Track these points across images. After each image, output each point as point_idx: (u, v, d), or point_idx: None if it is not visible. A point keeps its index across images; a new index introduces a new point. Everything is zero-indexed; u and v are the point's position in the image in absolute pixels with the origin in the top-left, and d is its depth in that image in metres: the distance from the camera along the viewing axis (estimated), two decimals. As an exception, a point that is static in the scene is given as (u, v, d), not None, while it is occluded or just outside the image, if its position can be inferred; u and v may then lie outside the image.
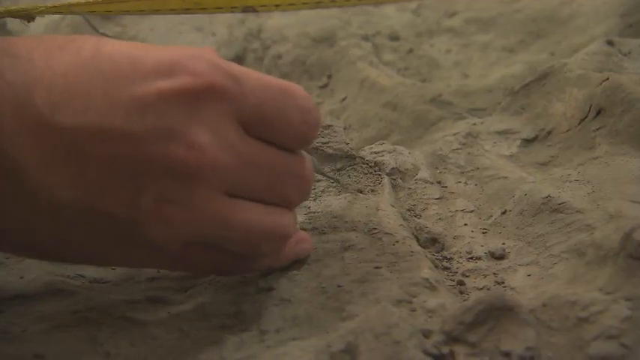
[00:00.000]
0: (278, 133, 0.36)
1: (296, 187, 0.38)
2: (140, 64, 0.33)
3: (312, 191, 0.50)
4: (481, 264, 0.45)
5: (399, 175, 0.54)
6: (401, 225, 0.46)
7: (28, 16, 0.48)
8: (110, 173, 0.33)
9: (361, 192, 0.50)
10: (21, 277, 0.44)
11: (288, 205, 0.38)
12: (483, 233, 0.49)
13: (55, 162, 0.32)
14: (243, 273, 0.41)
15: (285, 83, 0.37)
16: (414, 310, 0.38)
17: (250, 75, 0.35)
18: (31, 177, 0.32)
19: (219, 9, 0.52)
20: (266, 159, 0.36)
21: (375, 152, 0.56)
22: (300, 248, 0.42)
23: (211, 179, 0.34)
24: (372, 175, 0.53)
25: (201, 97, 0.33)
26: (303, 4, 0.54)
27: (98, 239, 0.35)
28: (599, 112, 0.55)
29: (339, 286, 0.41)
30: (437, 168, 0.57)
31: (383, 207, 0.47)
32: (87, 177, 0.33)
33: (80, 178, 0.33)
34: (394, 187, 0.53)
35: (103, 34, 0.35)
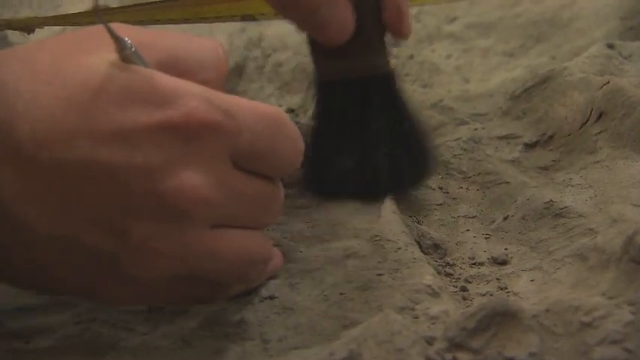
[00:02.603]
0: (268, 164, 0.36)
1: (273, 212, 0.38)
2: (130, 97, 0.32)
3: (314, 198, 0.50)
4: (484, 270, 0.45)
5: (400, 181, 0.54)
6: (403, 232, 0.45)
7: (28, 27, 0.48)
8: (94, 209, 0.32)
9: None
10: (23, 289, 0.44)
11: (263, 226, 0.38)
12: (486, 239, 0.49)
13: (36, 194, 0.31)
14: (223, 298, 0.40)
15: (275, 111, 0.36)
16: (416, 317, 0.38)
17: (244, 107, 0.34)
18: (10, 206, 0.31)
19: (218, 18, 0.52)
20: (251, 191, 0.35)
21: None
22: (273, 265, 0.42)
23: (201, 218, 0.33)
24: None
25: (193, 135, 0.32)
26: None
27: (83, 273, 0.34)
28: (600, 116, 0.55)
29: (342, 294, 0.40)
30: (439, 174, 0.57)
31: (385, 214, 0.47)
32: (70, 211, 0.32)
33: (62, 212, 0.32)
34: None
35: (118, 39, 0.33)
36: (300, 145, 0.37)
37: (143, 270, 0.33)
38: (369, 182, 0.50)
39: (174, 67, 0.35)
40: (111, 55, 0.33)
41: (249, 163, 0.35)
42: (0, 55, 0.34)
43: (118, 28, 0.33)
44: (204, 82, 0.35)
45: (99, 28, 0.33)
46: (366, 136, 0.50)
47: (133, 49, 0.33)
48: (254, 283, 0.41)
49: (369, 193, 0.50)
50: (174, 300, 0.38)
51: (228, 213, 0.35)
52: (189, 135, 0.32)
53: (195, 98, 0.33)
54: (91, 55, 0.33)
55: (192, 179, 0.32)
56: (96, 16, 0.32)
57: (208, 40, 0.38)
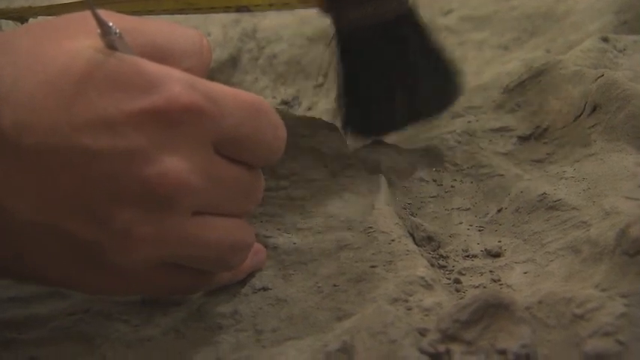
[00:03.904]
0: (250, 152, 0.36)
1: (254, 199, 0.38)
2: (113, 82, 0.31)
3: (308, 190, 0.50)
4: (477, 262, 0.45)
5: (394, 173, 0.54)
6: (397, 224, 0.46)
7: (21, 17, 0.48)
8: (76, 195, 0.31)
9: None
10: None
11: (244, 214, 0.38)
12: (479, 231, 0.49)
13: (18, 182, 0.31)
14: (207, 289, 0.40)
15: (257, 99, 0.36)
16: (410, 309, 0.38)
17: (226, 93, 0.34)
18: None
19: (212, 9, 0.52)
20: (232, 177, 0.35)
21: (371, 151, 0.56)
22: (257, 260, 0.42)
23: (182, 203, 0.33)
24: (367, 174, 0.53)
25: (175, 120, 0.32)
26: (298, 2, 0.54)
27: (62, 262, 0.33)
28: (594, 109, 0.55)
29: (335, 286, 0.41)
30: (433, 166, 0.57)
31: (378, 206, 0.47)
32: (52, 198, 0.31)
33: (44, 199, 0.31)
34: (390, 185, 0.53)
35: (103, 23, 0.32)
36: (282, 132, 0.37)
37: (126, 257, 0.33)
38: (409, 112, 0.55)
39: (157, 53, 0.35)
40: (94, 40, 0.33)
41: (231, 150, 0.35)
42: None
43: (101, 14, 0.33)
44: (187, 70, 0.35)
45: (82, 15, 0.33)
46: (398, 72, 0.54)
47: (118, 33, 0.32)
48: (239, 274, 0.41)
49: (411, 120, 0.57)
50: (158, 290, 0.38)
51: (210, 199, 0.35)
52: (172, 120, 0.32)
53: (178, 83, 0.32)
54: (73, 40, 0.33)
55: (175, 164, 0.32)
56: (86, 3, 0.31)
57: (191, 30, 0.38)
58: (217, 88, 0.34)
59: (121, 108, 0.31)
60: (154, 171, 0.32)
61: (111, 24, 0.32)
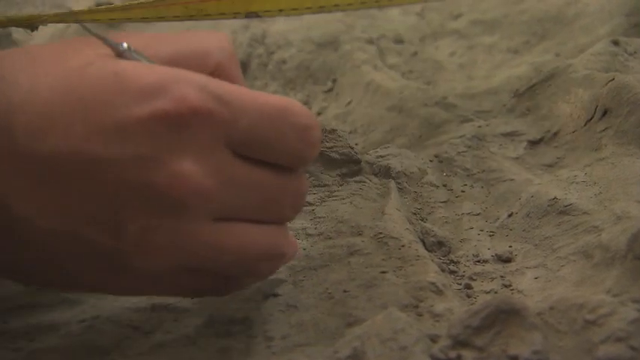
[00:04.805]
0: (272, 153, 0.35)
1: (291, 204, 0.37)
2: (123, 88, 0.32)
3: (318, 196, 0.50)
4: (488, 267, 0.45)
5: (404, 178, 0.54)
6: (407, 229, 0.45)
7: (31, 25, 0.48)
8: (91, 201, 0.32)
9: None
10: (26, 287, 0.44)
11: (282, 220, 0.37)
12: (490, 236, 0.49)
13: (34, 190, 0.31)
14: (237, 290, 0.39)
15: (283, 100, 0.35)
16: (420, 315, 0.38)
17: (243, 95, 0.34)
18: (10, 206, 0.31)
19: (222, 15, 0.52)
20: (257, 180, 0.35)
21: (381, 156, 0.56)
22: (289, 256, 0.41)
23: (197, 207, 0.33)
24: (377, 180, 0.53)
25: (185, 123, 0.32)
26: (307, 8, 0.54)
27: (84, 267, 0.34)
28: (605, 113, 0.55)
29: (345, 292, 0.40)
30: (443, 171, 0.57)
31: (389, 211, 0.47)
32: (68, 205, 0.32)
33: (61, 206, 0.32)
34: (400, 190, 0.53)
35: (96, 35, 0.34)
36: (313, 135, 0.36)
37: (146, 262, 0.33)
38: None
39: (180, 59, 0.35)
40: (107, 50, 0.33)
41: (251, 152, 0.35)
42: (6, 52, 0.34)
43: (118, 37, 0.33)
44: (217, 65, 0.36)
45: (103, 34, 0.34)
46: None
47: (127, 47, 0.33)
48: (267, 276, 0.40)
49: None
50: (184, 292, 0.37)
51: (230, 203, 0.34)
52: (181, 123, 0.32)
53: (187, 85, 0.32)
54: (89, 49, 0.34)
55: (185, 168, 0.32)
56: (84, 28, 0.33)
57: (209, 32, 0.38)
58: (232, 89, 0.34)
59: (131, 114, 0.31)
60: (163, 175, 0.32)
61: (124, 43, 0.33)
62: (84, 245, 0.33)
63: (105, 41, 0.33)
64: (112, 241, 0.32)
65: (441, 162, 0.58)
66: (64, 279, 0.35)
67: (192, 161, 0.32)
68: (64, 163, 0.31)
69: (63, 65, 0.33)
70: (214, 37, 0.38)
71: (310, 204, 0.50)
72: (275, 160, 0.35)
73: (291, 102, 0.35)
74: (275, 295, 0.40)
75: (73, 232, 0.32)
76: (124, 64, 0.33)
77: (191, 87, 0.32)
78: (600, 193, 0.48)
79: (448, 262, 0.46)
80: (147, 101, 0.32)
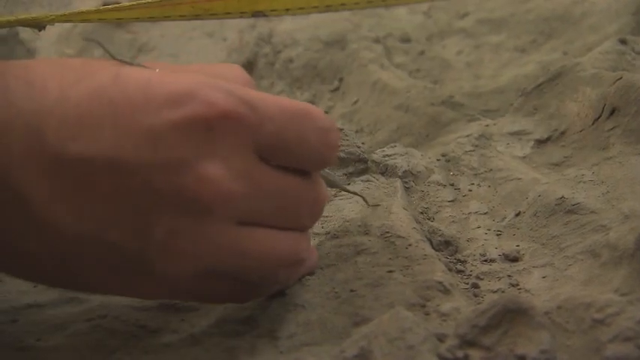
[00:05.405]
0: (296, 157, 0.36)
1: (310, 211, 0.37)
2: (153, 93, 0.32)
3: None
4: (495, 266, 0.45)
5: (411, 177, 0.54)
6: (414, 228, 0.45)
7: (38, 25, 0.48)
8: (119, 205, 0.32)
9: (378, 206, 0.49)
10: (34, 286, 0.44)
11: (301, 228, 0.37)
12: (497, 235, 0.48)
13: (63, 193, 0.31)
14: (256, 298, 0.39)
15: (303, 105, 0.36)
16: (427, 314, 0.38)
17: (267, 100, 0.34)
18: (37, 208, 0.31)
19: (228, 14, 0.52)
20: (280, 185, 0.35)
21: (388, 155, 0.56)
22: (309, 265, 0.41)
23: (224, 212, 0.33)
24: (384, 179, 0.53)
25: (214, 127, 0.32)
26: (313, 7, 0.54)
27: (107, 270, 0.34)
28: (612, 112, 0.55)
29: (352, 291, 0.40)
30: (450, 170, 0.56)
31: (396, 210, 0.47)
32: (95, 209, 0.32)
33: (88, 209, 0.32)
34: (407, 190, 0.53)
35: (121, 60, 0.35)
36: (333, 138, 0.37)
37: (170, 266, 0.33)
38: None
39: None
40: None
41: (276, 157, 0.35)
42: (34, 60, 0.35)
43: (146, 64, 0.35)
44: None
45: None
46: None
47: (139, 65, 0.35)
48: (286, 284, 0.40)
49: None
50: (206, 297, 0.38)
51: (254, 207, 0.34)
52: (210, 126, 0.32)
53: (216, 90, 0.33)
54: (116, 65, 0.34)
55: (212, 171, 0.32)
56: (106, 51, 0.33)
57: (225, 64, 0.39)
58: (257, 95, 0.34)
59: (162, 118, 0.32)
60: (190, 178, 0.32)
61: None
62: (108, 249, 0.33)
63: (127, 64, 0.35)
64: (137, 244, 0.33)
65: (447, 161, 0.58)
66: (87, 282, 0.35)
67: (221, 165, 0.33)
68: (93, 167, 0.31)
69: (92, 73, 0.33)
70: (229, 67, 0.39)
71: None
72: (297, 164, 0.36)
73: (310, 106, 0.36)
74: (281, 295, 0.40)
75: (96, 236, 0.32)
76: (153, 73, 0.33)
77: (220, 92, 0.33)
78: (608, 192, 0.48)
79: (455, 261, 0.46)
80: (177, 106, 0.32)
